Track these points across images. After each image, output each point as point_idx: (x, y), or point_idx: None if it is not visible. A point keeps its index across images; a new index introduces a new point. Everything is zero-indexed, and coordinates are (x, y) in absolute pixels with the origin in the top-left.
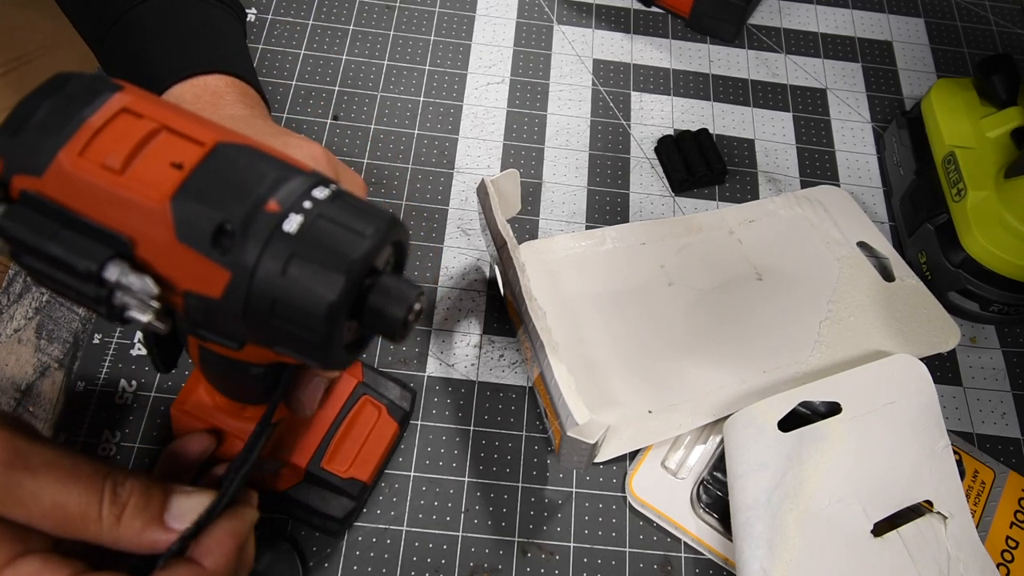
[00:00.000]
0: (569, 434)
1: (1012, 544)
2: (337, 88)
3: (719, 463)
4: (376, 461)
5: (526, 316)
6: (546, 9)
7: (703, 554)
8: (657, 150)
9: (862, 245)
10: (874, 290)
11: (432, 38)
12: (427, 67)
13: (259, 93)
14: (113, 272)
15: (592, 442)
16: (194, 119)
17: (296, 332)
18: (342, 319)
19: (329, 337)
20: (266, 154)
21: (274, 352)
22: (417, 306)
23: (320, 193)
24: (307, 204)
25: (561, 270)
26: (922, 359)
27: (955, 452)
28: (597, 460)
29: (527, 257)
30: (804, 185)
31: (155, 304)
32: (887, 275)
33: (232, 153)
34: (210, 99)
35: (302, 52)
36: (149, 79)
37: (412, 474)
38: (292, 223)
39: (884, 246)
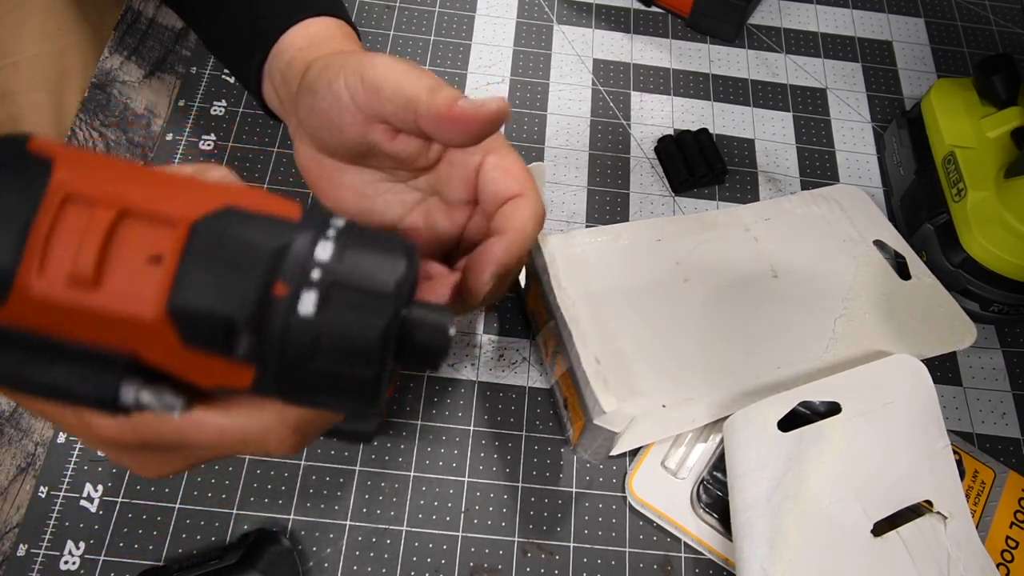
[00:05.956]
0: (596, 422)
1: (1012, 544)
2: None
3: (719, 463)
4: None
5: (554, 306)
6: (546, 9)
7: (703, 554)
8: (657, 150)
9: (878, 243)
10: (890, 288)
11: (432, 38)
12: (427, 67)
13: (356, 32)
14: (128, 394)
15: (619, 430)
16: (151, 181)
17: (338, 403)
18: (383, 385)
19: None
20: (251, 216)
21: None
22: (452, 331)
23: (323, 252)
24: (315, 275)
25: (583, 263)
26: (923, 359)
27: (955, 452)
28: (612, 453)
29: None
30: (804, 185)
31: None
32: (903, 273)
33: (213, 229)
34: (325, 41)
35: None
36: (260, 27)
37: (412, 474)
38: (307, 304)
39: (900, 244)
